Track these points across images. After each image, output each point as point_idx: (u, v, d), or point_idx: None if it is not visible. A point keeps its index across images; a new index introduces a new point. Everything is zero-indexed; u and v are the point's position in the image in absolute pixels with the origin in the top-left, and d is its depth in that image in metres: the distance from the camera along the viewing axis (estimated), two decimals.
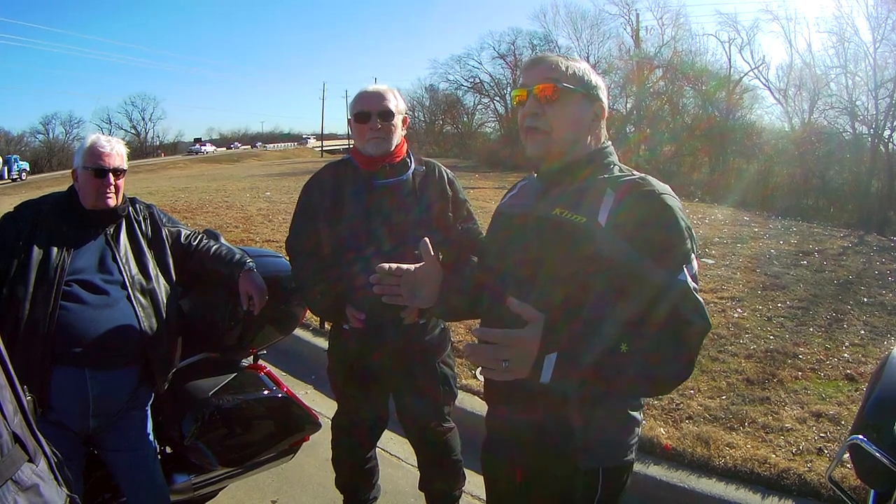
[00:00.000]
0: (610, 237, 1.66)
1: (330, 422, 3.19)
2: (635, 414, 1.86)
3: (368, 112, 2.80)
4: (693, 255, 1.67)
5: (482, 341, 1.59)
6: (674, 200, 1.71)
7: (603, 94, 1.87)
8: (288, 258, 3.10)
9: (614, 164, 1.85)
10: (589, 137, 1.86)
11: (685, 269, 1.62)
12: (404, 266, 1.99)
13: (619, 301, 1.64)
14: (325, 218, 2.85)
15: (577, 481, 1.80)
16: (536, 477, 1.88)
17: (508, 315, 1.69)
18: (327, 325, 3.11)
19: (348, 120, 2.92)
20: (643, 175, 1.78)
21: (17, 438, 1.37)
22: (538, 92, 1.81)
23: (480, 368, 1.66)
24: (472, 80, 52.27)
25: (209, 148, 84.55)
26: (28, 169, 52.08)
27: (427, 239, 2.03)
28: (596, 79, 1.86)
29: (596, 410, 1.77)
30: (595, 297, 1.67)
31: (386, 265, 1.99)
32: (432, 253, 2.01)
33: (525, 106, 1.84)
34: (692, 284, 1.62)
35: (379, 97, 2.83)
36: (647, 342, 1.58)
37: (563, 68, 1.81)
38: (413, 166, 2.91)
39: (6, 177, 46.47)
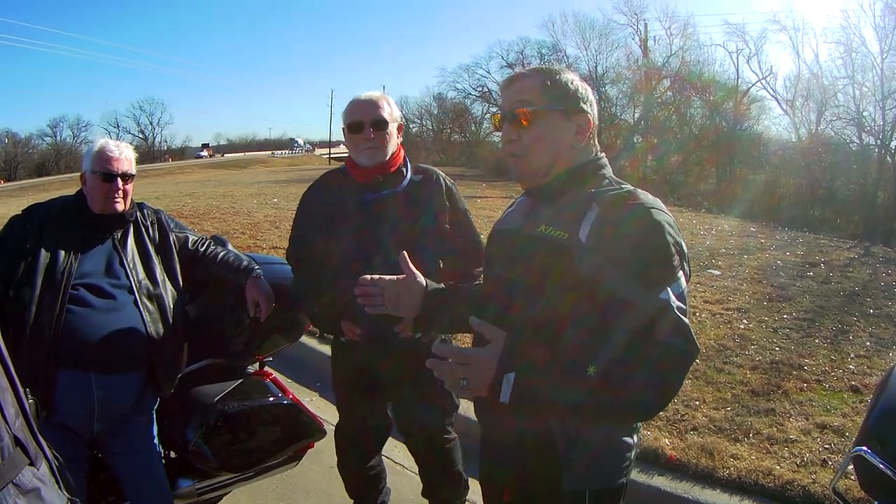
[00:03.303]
0: (591, 253, 1.62)
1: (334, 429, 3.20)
2: (627, 438, 1.82)
3: (361, 122, 2.74)
4: (681, 273, 1.60)
5: (441, 358, 1.59)
6: (662, 215, 1.64)
7: (587, 105, 1.82)
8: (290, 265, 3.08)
9: (605, 177, 1.81)
10: (573, 153, 1.81)
11: (669, 289, 1.54)
12: (386, 277, 2.01)
13: (601, 318, 1.56)
14: (319, 228, 2.83)
15: (561, 503, 1.77)
16: (522, 497, 1.85)
17: (517, 324, 1.68)
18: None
19: (342, 129, 2.86)
20: (632, 188, 1.73)
21: (18, 442, 1.38)
22: (511, 116, 1.79)
23: (447, 384, 1.62)
24: (480, 88, 52.34)
25: (204, 153, 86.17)
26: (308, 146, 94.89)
27: (405, 252, 2.05)
28: (578, 88, 1.81)
29: (583, 430, 1.73)
30: (580, 314, 1.62)
31: (368, 276, 2.01)
32: (410, 266, 2.03)
33: (503, 131, 1.83)
34: (676, 303, 1.53)
35: (371, 105, 2.77)
36: (621, 364, 1.49)
37: (539, 86, 1.77)
38: (409, 175, 2.86)
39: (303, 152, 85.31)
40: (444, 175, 2.98)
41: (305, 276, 2.92)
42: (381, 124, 2.76)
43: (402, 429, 3.14)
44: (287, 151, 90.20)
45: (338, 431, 3.20)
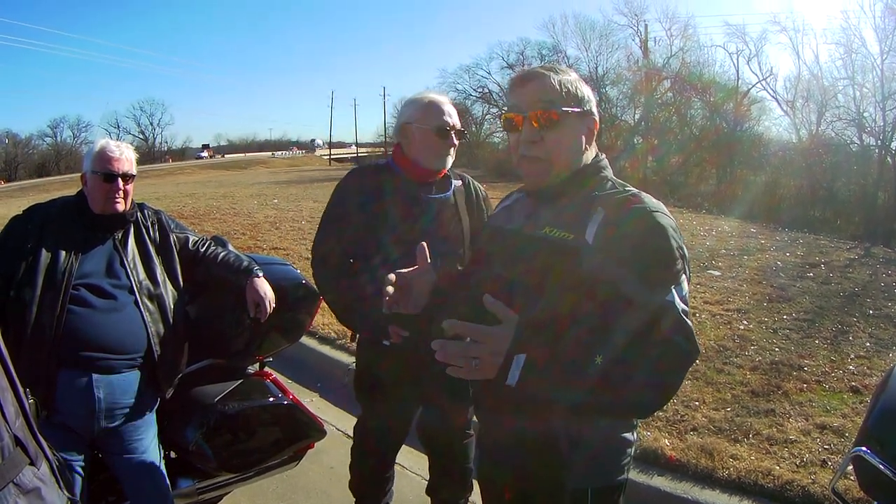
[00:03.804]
0: (596, 254, 1.61)
1: (335, 430, 3.19)
2: (627, 434, 1.82)
3: (450, 128, 2.76)
4: (683, 277, 1.60)
5: (453, 336, 1.51)
6: (666, 219, 1.64)
7: (594, 106, 1.81)
8: (313, 261, 2.93)
9: (607, 179, 1.80)
10: (577, 154, 1.80)
11: (673, 290, 1.55)
12: (402, 271, 1.97)
13: (604, 318, 1.54)
14: (367, 224, 2.76)
15: (564, 502, 1.77)
16: (524, 495, 1.85)
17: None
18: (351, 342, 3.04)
19: (406, 125, 2.80)
20: (636, 191, 1.73)
21: (18, 441, 1.38)
22: (535, 117, 1.73)
23: (448, 367, 1.53)
24: (480, 89, 52.13)
25: (205, 154, 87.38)
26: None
27: (424, 244, 2.01)
28: (586, 90, 1.80)
29: (585, 430, 1.73)
30: (583, 313, 1.58)
31: (394, 275, 1.95)
32: (427, 259, 2.00)
33: (522, 132, 1.76)
34: (680, 306, 1.54)
35: (455, 113, 2.81)
36: (624, 363, 1.47)
37: (558, 86, 1.73)
38: (453, 181, 2.90)
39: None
40: (475, 182, 3.03)
41: (338, 274, 2.83)
42: (463, 133, 2.82)
43: (416, 426, 3.15)
44: (297, 151, 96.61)
45: (353, 430, 3.23)
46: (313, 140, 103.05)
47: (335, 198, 2.90)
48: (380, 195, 2.79)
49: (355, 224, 2.79)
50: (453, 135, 2.77)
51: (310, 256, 2.97)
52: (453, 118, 2.79)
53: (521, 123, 1.76)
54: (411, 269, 1.99)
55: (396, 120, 2.88)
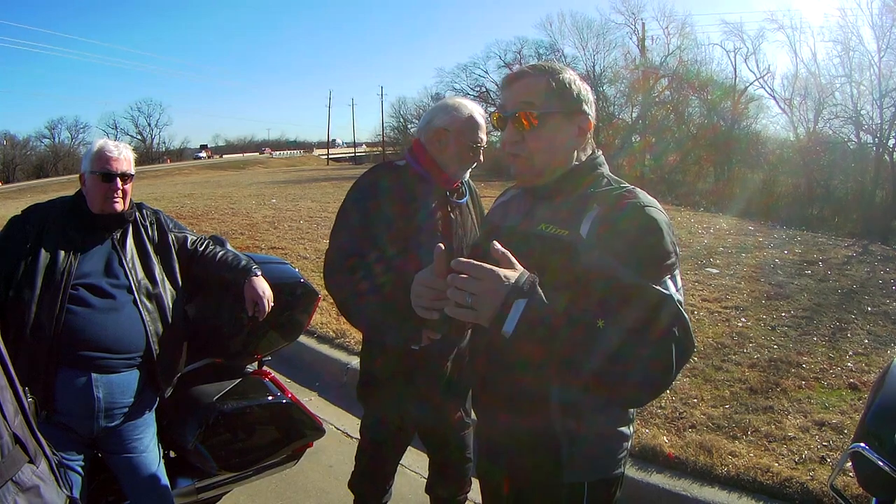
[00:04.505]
0: (591, 249, 1.62)
1: (334, 429, 3.17)
2: (623, 429, 1.84)
3: (481, 145, 2.79)
4: (677, 272, 1.61)
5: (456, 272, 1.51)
6: (659, 214, 1.65)
7: (588, 106, 1.81)
8: (333, 266, 2.68)
9: (603, 176, 1.82)
10: (572, 153, 1.82)
11: (669, 281, 1.56)
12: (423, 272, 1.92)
13: (601, 310, 1.52)
14: (399, 222, 2.65)
15: (560, 495, 1.79)
16: (521, 489, 1.86)
17: None
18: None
19: (443, 131, 2.73)
20: (631, 188, 1.74)
21: (17, 440, 1.39)
22: (516, 118, 1.77)
23: (447, 308, 1.55)
24: (477, 88, 52.05)
25: (203, 154, 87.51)
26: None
27: (441, 245, 1.99)
28: (580, 89, 1.80)
29: (583, 426, 1.74)
30: (579, 309, 1.56)
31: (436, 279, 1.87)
32: (444, 259, 1.98)
33: (505, 132, 1.80)
34: (677, 297, 1.55)
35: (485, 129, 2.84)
36: (623, 352, 1.46)
37: (543, 87, 1.75)
38: (466, 186, 2.92)
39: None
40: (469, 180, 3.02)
41: (351, 276, 2.62)
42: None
43: (416, 423, 3.13)
44: (269, 153, 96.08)
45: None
46: (334, 140, 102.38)
47: (360, 197, 2.75)
48: (411, 197, 2.72)
49: (384, 223, 2.66)
50: (481, 150, 2.80)
51: (308, 255, 2.97)
52: (485, 135, 2.81)
53: (504, 121, 1.81)
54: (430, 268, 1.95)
55: (427, 120, 2.79)
